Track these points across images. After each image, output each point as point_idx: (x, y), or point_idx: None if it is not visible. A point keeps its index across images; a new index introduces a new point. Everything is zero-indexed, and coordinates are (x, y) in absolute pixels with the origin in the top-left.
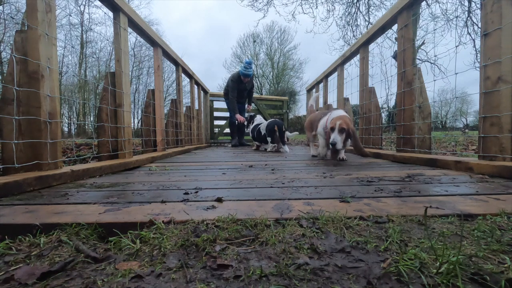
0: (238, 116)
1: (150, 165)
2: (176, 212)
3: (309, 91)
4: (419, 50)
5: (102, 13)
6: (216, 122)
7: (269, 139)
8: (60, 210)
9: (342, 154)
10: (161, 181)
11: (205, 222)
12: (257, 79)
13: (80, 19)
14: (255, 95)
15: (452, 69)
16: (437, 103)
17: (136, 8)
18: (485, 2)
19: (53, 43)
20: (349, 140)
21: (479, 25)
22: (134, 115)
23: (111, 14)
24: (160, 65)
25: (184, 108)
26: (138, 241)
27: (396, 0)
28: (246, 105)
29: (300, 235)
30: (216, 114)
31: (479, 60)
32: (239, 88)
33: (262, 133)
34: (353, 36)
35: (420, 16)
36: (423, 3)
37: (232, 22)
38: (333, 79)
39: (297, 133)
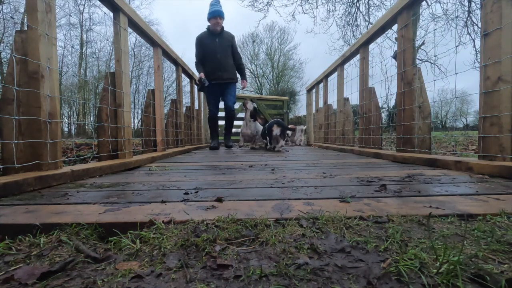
0: (201, 74)
1: (150, 165)
2: (176, 212)
3: (309, 91)
4: (419, 50)
5: (102, 13)
6: None
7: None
8: (60, 210)
9: None
10: (161, 181)
11: (205, 222)
12: (257, 79)
13: (80, 19)
14: (255, 95)
15: (452, 69)
16: (437, 103)
17: (136, 9)
18: (485, 2)
19: (53, 43)
20: None
21: (479, 25)
22: (134, 115)
23: (111, 14)
24: (160, 65)
25: (184, 108)
26: (138, 241)
27: (396, 0)
28: (240, 81)
29: (300, 235)
30: None
31: (479, 60)
32: (208, 47)
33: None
34: (353, 36)
35: (420, 16)
36: (423, 3)
37: (239, 21)
38: (333, 79)
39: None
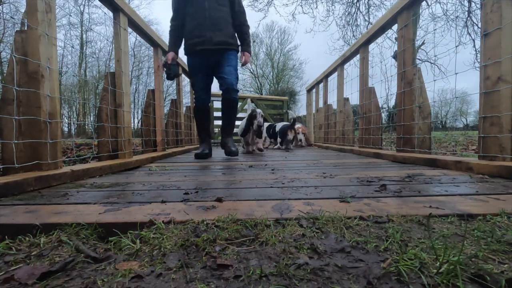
0: (168, 55)
1: (150, 165)
2: (176, 212)
3: (309, 91)
4: (419, 50)
5: (102, 13)
6: (216, 122)
7: (279, 140)
8: (60, 210)
9: None
10: (161, 181)
11: (205, 222)
12: (257, 79)
13: (80, 19)
14: (255, 95)
15: (452, 69)
16: (437, 103)
17: (136, 9)
18: (485, 2)
19: (53, 43)
20: None
21: (479, 25)
22: (134, 115)
23: (111, 14)
24: (160, 65)
25: (184, 108)
26: (138, 241)
27: (396, 0)
28: (240, 53)
29: (300, 235)
30: (216, 114)
31: (479, 60)
32: None
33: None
34: (353, 36)
35: (420, 16)
36: (423, 3)
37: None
38: (333, 79)
39: None
